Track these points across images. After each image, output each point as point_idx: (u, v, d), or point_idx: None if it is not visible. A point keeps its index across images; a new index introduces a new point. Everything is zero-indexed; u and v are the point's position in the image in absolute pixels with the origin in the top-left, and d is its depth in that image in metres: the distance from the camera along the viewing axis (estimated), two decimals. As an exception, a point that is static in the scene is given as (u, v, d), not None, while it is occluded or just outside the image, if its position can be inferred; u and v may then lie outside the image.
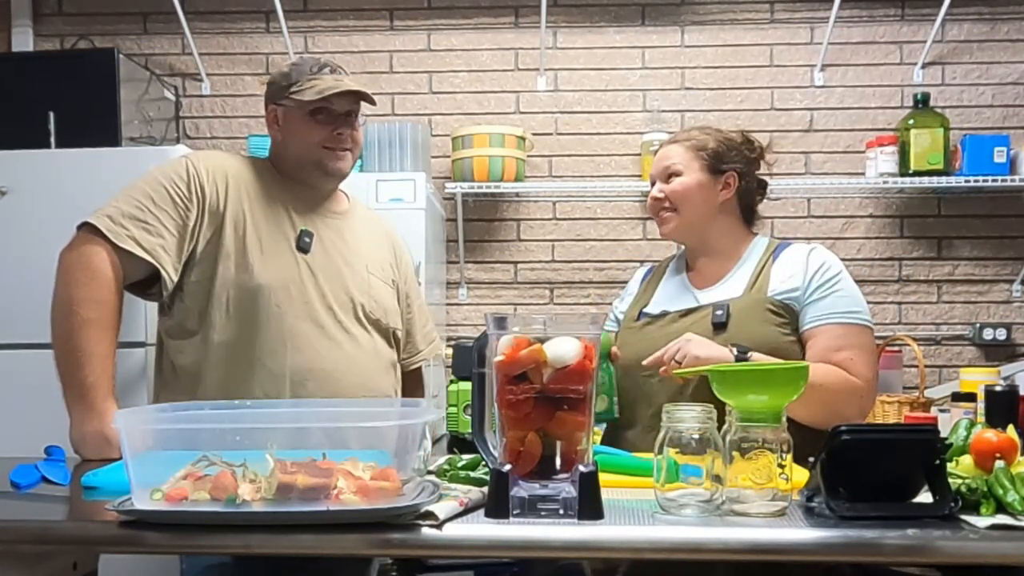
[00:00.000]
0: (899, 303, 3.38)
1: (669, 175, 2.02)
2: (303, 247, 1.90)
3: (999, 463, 1.29)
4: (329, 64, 1.96)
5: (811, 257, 1.98)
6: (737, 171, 2.02)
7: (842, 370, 1.85)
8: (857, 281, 3.41)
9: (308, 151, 1.94)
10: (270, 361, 1.83)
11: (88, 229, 1.78)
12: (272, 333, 1.83)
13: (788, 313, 1.92)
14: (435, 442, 2.84)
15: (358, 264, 1.98)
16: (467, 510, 1.25)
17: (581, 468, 1.21)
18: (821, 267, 1.96)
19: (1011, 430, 1.37)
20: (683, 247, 2.14)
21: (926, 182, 3.15)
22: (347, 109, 1.95)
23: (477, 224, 3.45)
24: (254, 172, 1.96)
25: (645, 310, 2.05)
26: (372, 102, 1.97)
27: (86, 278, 1.74)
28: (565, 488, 1.22)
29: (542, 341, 1.23)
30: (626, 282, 2.29)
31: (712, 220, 2.02)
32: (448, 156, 3.31)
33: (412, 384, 2.17)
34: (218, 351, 1.83)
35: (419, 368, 2.20)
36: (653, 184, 2.05)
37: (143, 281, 1.85)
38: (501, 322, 1.26)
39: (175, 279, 1.83)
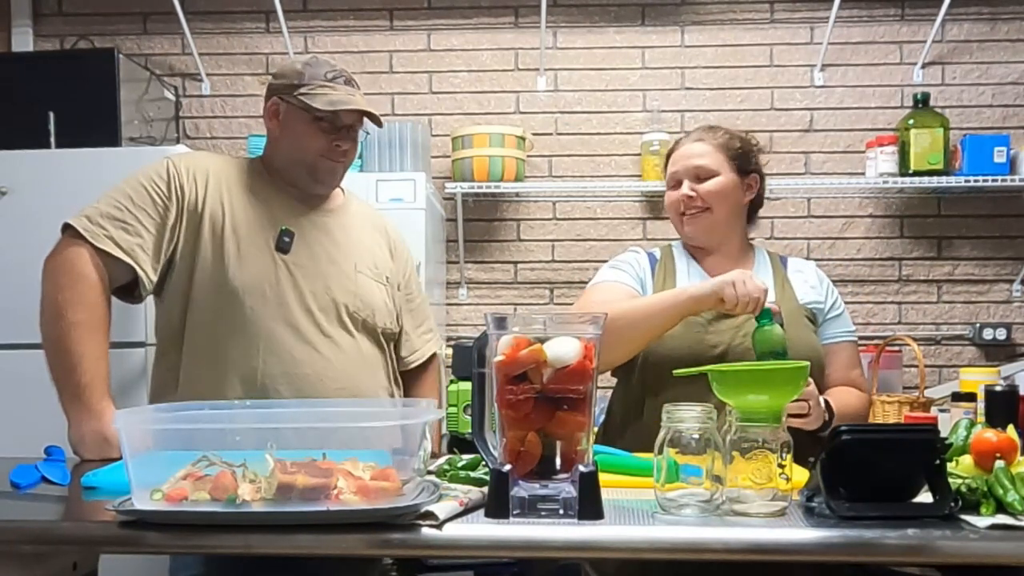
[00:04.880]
0: (899, 303, 3.38)
1: (701, 175, 1.99)
2: (282, 247, 1.87)
3: (999, 463, 1.29)
4: (344, 74, 1.94)
5: (819, 272, 2.13)
6: (759, 173, 2.07)
7: (857, 389, 2.05)
8: (857, 281, 3.47)
9: (304, 155, 1.91)
10: (243, 365, 1.81)
11: (70, 233, 1.78)
12: (246, 336, 1.81)
13: (814, 321, 2.03)
14: (435, 442, 2.84)
15: (345, 262, 1.94)
16: (467, 510, 1.25)
17: (581, 468, 1.21)
18: (830, 284, 2.11)
19: (1011, 430, 1.37)
20: (676, 243, 2.14)
21: (926, 182, 3.15)
22: (351, 122, 1.93)
23: (477, 224, 3.45)
24: (239, 172, 1.94)
25: None
26: (379, 124, 1.96)
27: (70, 281, 1.74)
28: (565, 488, 1.22)
29: (542, 341, 1.23)
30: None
31: (735, 221, 2.05)
32: (448, 156, 3.31)
33: (418, 381, 2.14)
34: (195, 354, 1.83)
35: (426, 363, 2.16)
36: (676, 184, 2.02)
37: (127, 284, 1.84)
38: (501, 322, 1.26)
39: (154, 279, 1.82)
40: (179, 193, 1.85)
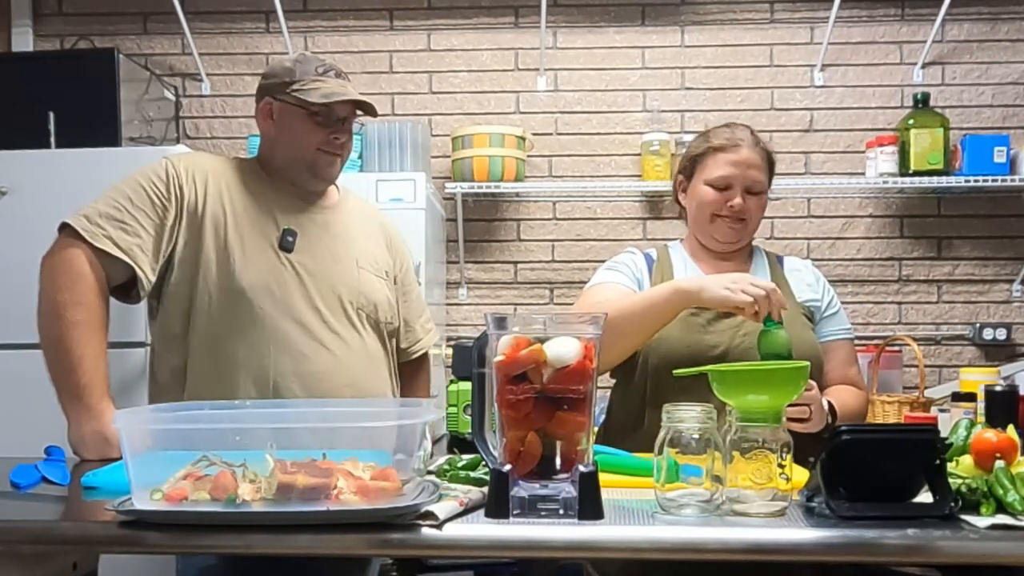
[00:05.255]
0: (899, 303, 3.38)
1: (754, 189, 1.99)
2: (286, 246, 1.88)
3: (999, 463, 1.29)
4: (334, 68, 1.95)
5: (815, 270, 2.13)
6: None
7: (855, 387, 2.04)
8: (857, 281, 3.47)
9: (302, 152, 1.92)
10: (254, 364, 1.81)
11: (68, 232, 1.78)
12: (256, 336, 1.82)
13: (812, 320, 2.02)
14: (435, 442, 2.84)
15: (347, 259, 1.95)
16: (467, 510, 1.25)
17: (581, 468, 1.21)
18: (826, 282, 2.11)
19: (1011, 430, 1.37)
20: (674, 242, 2.14)
21: (926, 182, 3.15)
22: (345, 115, 1.94)
23: (477, 224, 3.45)
24: (237, 172, 1.94)
25: None
26: (374, 114, 1.97)
27: (69, 281, 1.74)
28: (565, 488, 1.22)
29: (542, 341, 1.23)
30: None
31: None
32: (448, 156, 3.31)
33: (416, 373, 2.17)
34: (202, 354, 1.82)
35: (422, 356, 2.19)
36: (725, 187, 1.98)
37: (124, 284, 1.84)
38: (501, 322, 1.26)
39: (152, 280, 1.82)
40: (178, 194, 1.85)
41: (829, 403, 1.85)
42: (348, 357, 1.89)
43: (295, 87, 1.89)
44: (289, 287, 1.86)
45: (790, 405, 1.66)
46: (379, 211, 2.20)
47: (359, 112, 1.97)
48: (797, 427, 1.68)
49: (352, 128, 1.98)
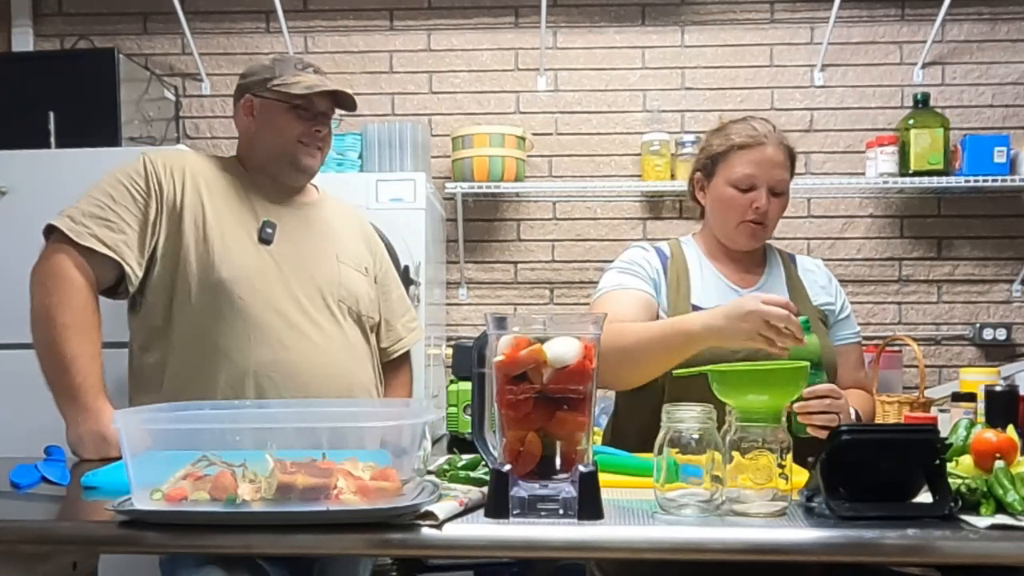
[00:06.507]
0: (899, 303, 3.38)
1: (777, 190, 1.94)
2: (265, 238, 1.90)
3: (999, 463, 1.29)
4: (312, 65, 2.01)
5: (828, 271, 2.11)
6: None
7: (864, 390, 2.04)
8: (857, 281, 3.46)
9: (283, 145, 1.95)
10: (235, 354, 1.82)
11: (55, 238, 1.80)
12: (236, 326, 1.83)
13: (826, 323, 2.00)
14: (435, 442, 2.84)
15: (327, 252, 1.98)
16: (467, 510, 1.25)
17: (581, 468, 1.21)
18: (838, 284, 2.09)
19: (1011, 430, 1.37)
20: (686, 237, 2.11)
21: (926, 182, 3.15)
22: (325, 109, 1.98)
23: (477, 224, 3.45)
24: (215, 168, 1.97)
25: (695, 303, 1.93)
26: (353, 106, 2.00)
27: (56, 285, 1.76)
28: (565, 488, 1.22)
29: (542, 341, 1.23)
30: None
31: None
32: (448, 156, 3.31)
33: (398, 370, 2.17)
34: (182, 345, 1.83)
35: (404, 356, 2.19)
36: (750, 188, 1.92)
37: (113, 283, 1.85)
38: (501, 322, 1.26)
39: (139, 275, 1.84)
40: (157, 189, 1.87)
41: (855, 410, 1.82)
42: (329, 347, 1.90)
43: (276, 82, 1.94)
44: (269, 278, 1.87)
45: (817, 413, 1.65)
46: (357, 211, 2.23)
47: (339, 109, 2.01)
48: (823, 435, 1.62)
49: (331, 123, 2.02)
